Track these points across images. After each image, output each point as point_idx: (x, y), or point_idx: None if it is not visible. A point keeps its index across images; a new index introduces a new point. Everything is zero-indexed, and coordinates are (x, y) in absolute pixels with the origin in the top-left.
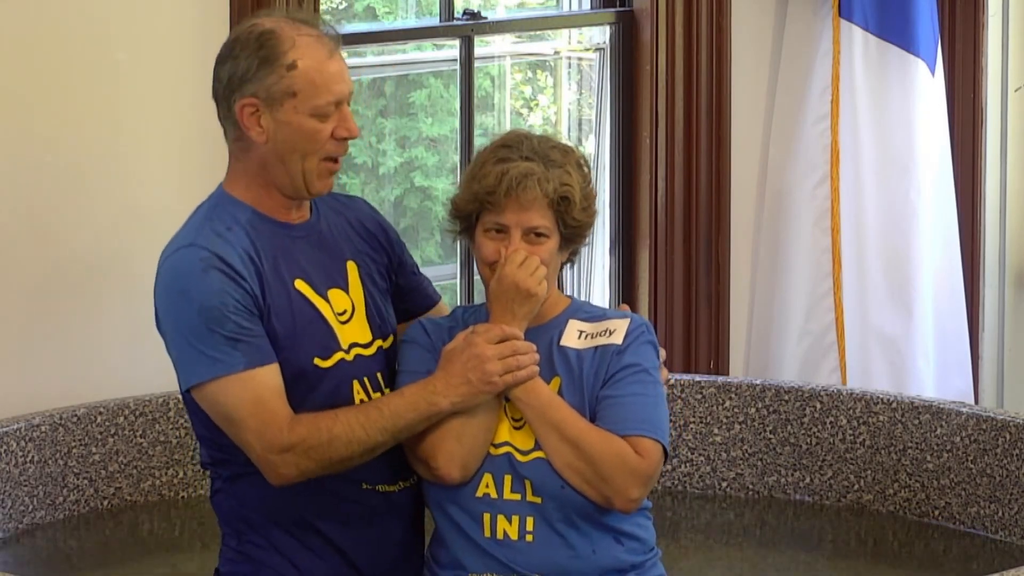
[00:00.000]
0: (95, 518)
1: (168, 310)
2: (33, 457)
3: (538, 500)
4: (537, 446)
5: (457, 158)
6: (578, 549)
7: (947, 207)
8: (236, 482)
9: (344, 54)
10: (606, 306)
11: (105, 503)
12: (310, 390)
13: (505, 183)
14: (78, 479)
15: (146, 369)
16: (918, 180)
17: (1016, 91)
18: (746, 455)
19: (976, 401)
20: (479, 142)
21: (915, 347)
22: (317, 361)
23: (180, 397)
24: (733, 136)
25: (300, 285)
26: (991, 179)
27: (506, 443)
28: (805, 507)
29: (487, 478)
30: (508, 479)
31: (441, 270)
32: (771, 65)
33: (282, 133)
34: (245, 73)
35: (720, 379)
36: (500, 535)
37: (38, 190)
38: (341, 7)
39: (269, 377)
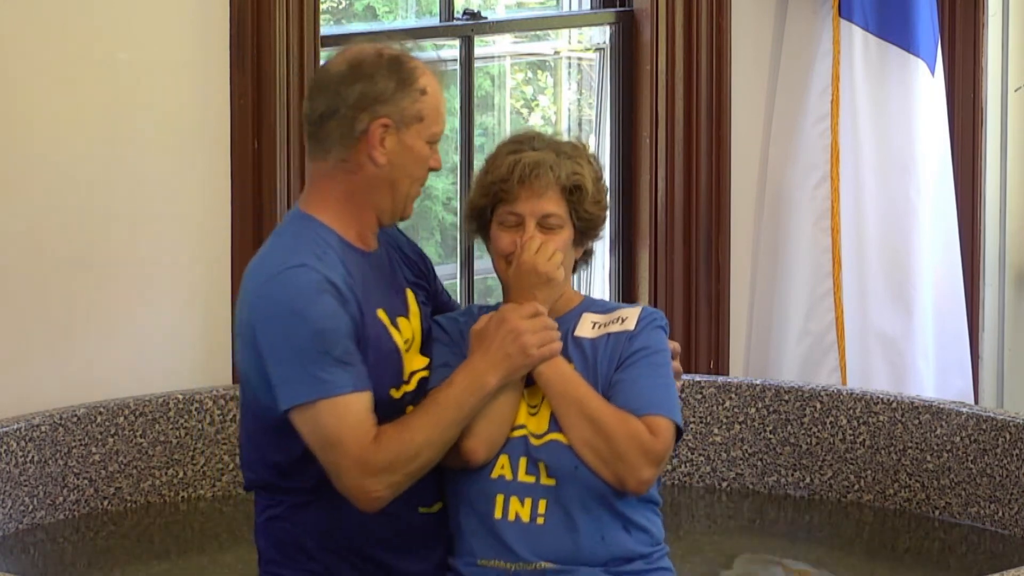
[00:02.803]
0: (95, 518)
1: (275, 329)
2: (33, 457)
3: (552, 482)
4: (551, 429)
5: (457, 158)
6: (587, 534)
7: (947, 207)
8: (299, 510)
9: None
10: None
11: (105, 503)
12: (382, 421)
13: (518, 171)
14: (78, 479)
15: (146, 369)
16: (918, 180)
17: (1016, 91)
18: (746, 455)
19: (976, 401)
20: (479, 142)
21: (915, 347)
22: (392, 392)
23: (180, 397)
24: (733, 136)
25: (380, 314)
26: (991, 179)
27: (522, 426)
28: (805, 507)
29: (502, 459)
30: (523, 461)
31: (441, 270)
32: (771, 65)
33: (402, 156)
34: (382, 93)
35: (720, 379)
36: (512, 516)
37: (38, 189)
38: (341, 7)
39: (368, 402)
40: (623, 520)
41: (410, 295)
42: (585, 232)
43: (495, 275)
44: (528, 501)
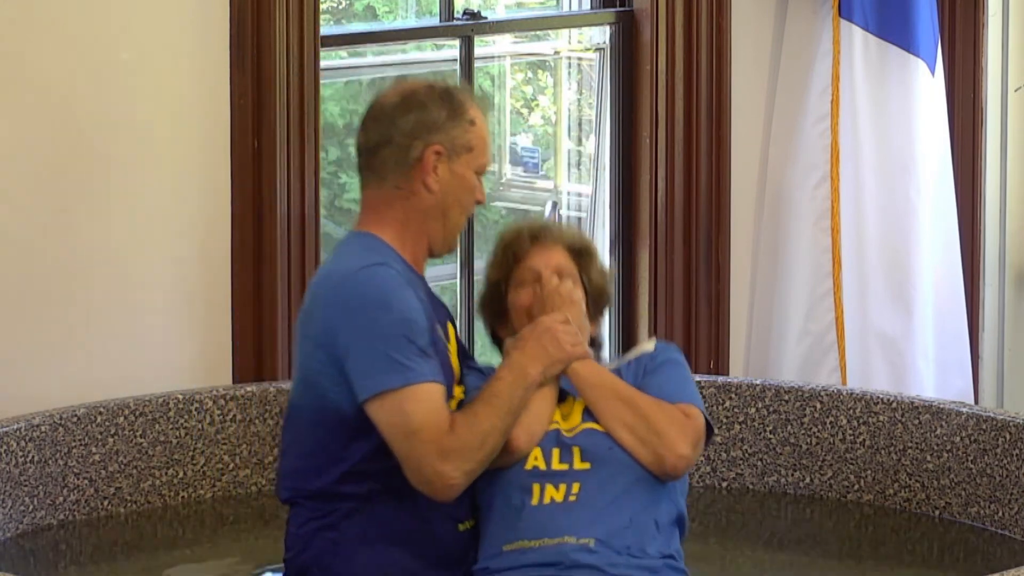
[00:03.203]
0: (95, 518)
1: (359, 320)
2: (33, 457)
3: (586, 466)
4: (584, 420)
5: None
6: (615, 512)
7: (947, 207)
8: (346, 519)
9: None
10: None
11: (105, 503)
12: None
13: (527, 231)
14: (78, 479)
15: (146, 369)
16: (918, 180)
17: (1016, 91)
18: (746, 455)
19: (976, 401)
20: None
21: (915, 347)
22: (449, 402)
23: (180, 397)
24: (733, 136)
25: (438, 331)
26: (991, 179)
27: (553, 422)
28: (805, 507)
29: (535, 451)
30: (556, 451)
31: (441, 270)
32: (771, 65)
33: (453, 184)
34: (435, 122)
35: (720, 379)
36: (547, 500)
37: (39, 190)
38: (341, 7)
39: (444, 393)
40: (653, 514)
41: (450, 327)
42: (595, 301)
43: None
44: (563, 486)
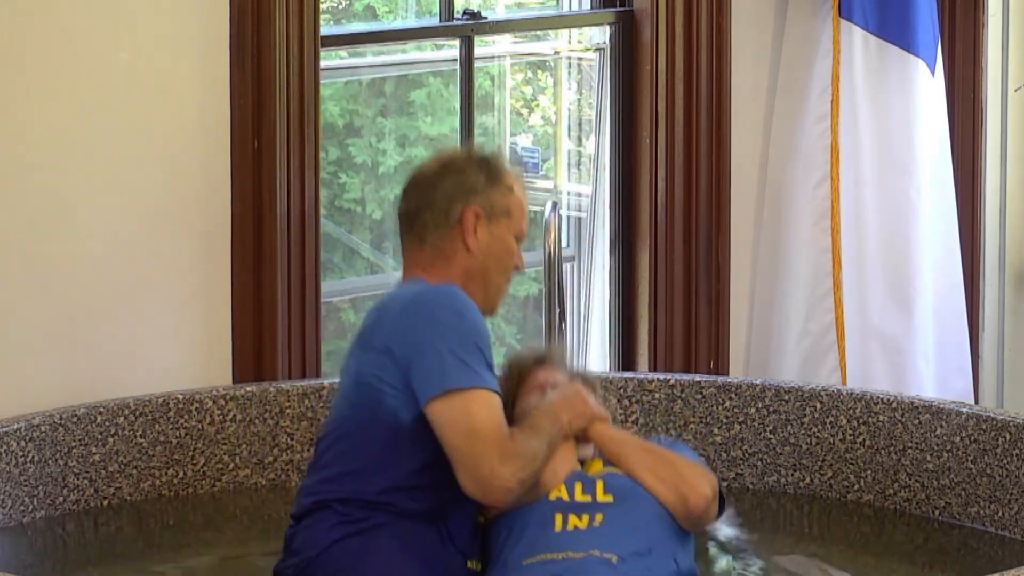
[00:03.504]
0: (95, 518)
1: (435, 324)
2: (33, 457)
3: (609, 498)
4: (604, 465)
5: None
6: (637, 543)
7: (947, 207)
8: (372, 533)
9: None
10: (606, 306)
11: (105, 503)
12: None
13: (532, 355)
14: (78, 479)
15: (146, 369)
16: (918, 180)
17: (1016, 91)
18: (746, 455)
19: (976, 401)
20: (479, 142)
21: (915, 347)
22: None
23: (180, 397)
24: (733, 136)
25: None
26: (991, 179)
27: (575, 470)
28: (805, 507)
29: (559, 486)
30: (579, 485)
31: None
32: (771, 65)
33: (494, 246)
34: (474, 185)
35: (720, 379)
36: (571, 527)
37: (39, 190)
38: (341, 7)
39: (502, 405)
40: (672, 551)
41: None
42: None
43: None
44: (586, 516)
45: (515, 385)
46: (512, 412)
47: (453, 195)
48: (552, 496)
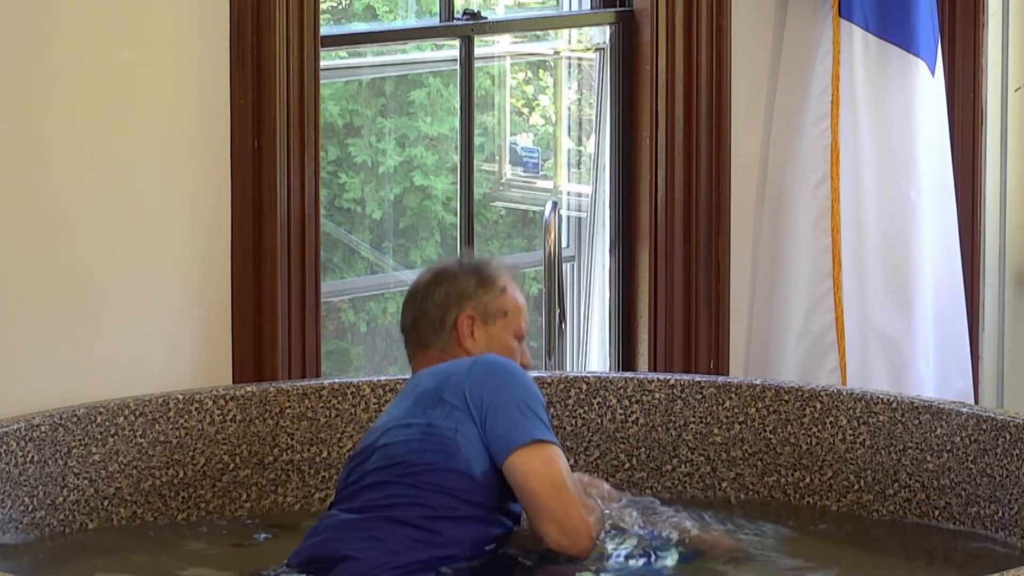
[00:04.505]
0: (95, 518)
1: (513, 380)
2: (33, 457)
3: None
4: None
5: (457, 158)
6: None
7: (947, 207)
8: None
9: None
10: (606, 306)
11: (105, 503)
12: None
13: None
14: (78, 479)
15: (146, 369)
16: (918, 180)
17: (1016, 91)
18: (746, 455)
19: (976, 401)
20: (479, 142)
21: (915, 347)
22: None
23: (180, 397)
24: (733, 136)
25: None
26: (991, 179)
27: None
28: (805, 507)
29: None
30: None
31: None
32: (771, 65)
33: (492, 347)
34: (465, 290)
35: (720, 379)
36: None
37: (40, 190)
38: (341, 7)
39: None
40: None
41: None
42: None
43: None
44: None
45: None
46: None
47: (446, 303)
48: None
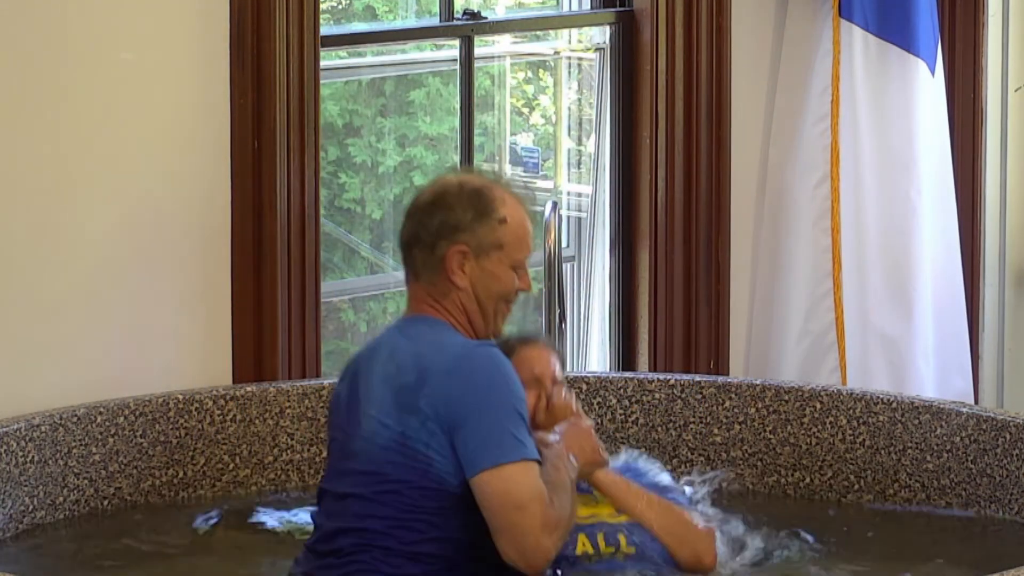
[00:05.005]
0: (95, 518)
1: (488, 394)
2: (33, 457)
3: (631, 550)
4: (621, 514)
5: (457, 158)
6: None
7: (947, 207)
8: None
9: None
10: (606, 306)
11: (105, 503)
12: None
13: (517, 337)
14: (78, 479)
15: (146, 369)
16: (918, 180)
17: (1016, 91)
18: (746, 455)
19: (976, 401)
20: (479, 141)
21: (915, 347)
22: None
23: (180, 397)
24: (733, 136)
25: None
26: (991, 179)
27: (593, 515)
28: (805, 507)
29: (582, 538)
30: (601, 535)
31: None
32: (771, 65)
33: (484, 280)
34: (460, 222)
35: (720, 379)
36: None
37: (40, 190)
38: (341, 7)
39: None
40: None
41: None
42: None
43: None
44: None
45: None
46: None
47: (439, 232)
48: (579, 551)
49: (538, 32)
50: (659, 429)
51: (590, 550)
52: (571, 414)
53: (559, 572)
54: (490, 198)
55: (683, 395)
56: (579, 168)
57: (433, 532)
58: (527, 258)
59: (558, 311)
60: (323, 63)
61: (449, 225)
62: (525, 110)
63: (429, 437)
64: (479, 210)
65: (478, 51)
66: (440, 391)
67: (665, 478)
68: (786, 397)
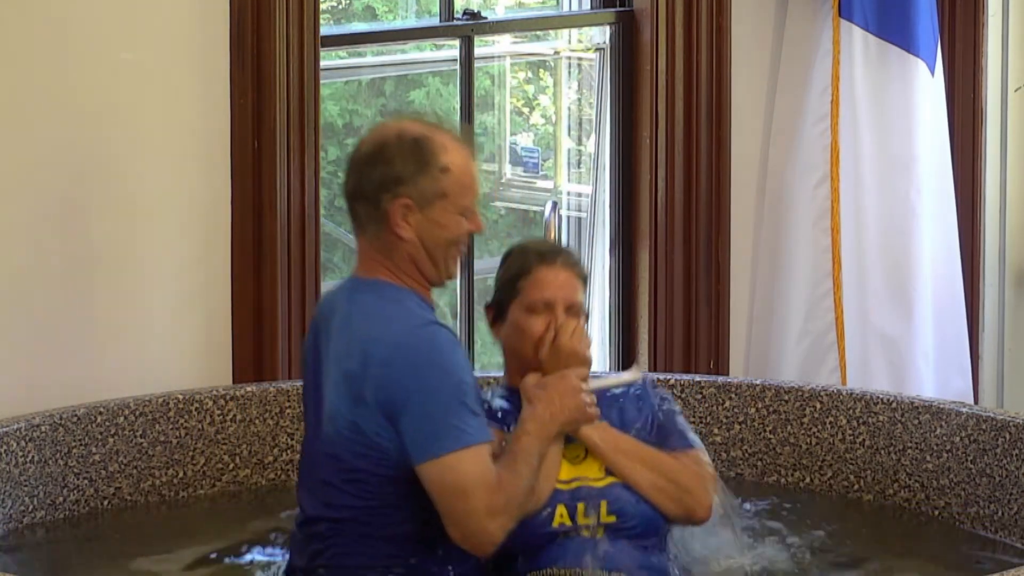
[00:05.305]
0: (95, 518)
1: (422, 383)
2: (33, 457)
3: (612, 519)
4: (608, 473)
5: None
6: (640, 556)
7: (947, 207)
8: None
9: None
10: (606, 306)
11: (105, 503)
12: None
13: (535, 250)
14: (78, 479)
15: (146, 369)
16: (918, 180)
17: (1016, 91)
18: (746, 455)
19: (976, 401)
20: (479, 141)
21: (915, 347)
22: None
23: (180, 397)
24: (733, 136)
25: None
26: (991, 179)
27: (576, 478)
28: (805, 507)
29: (560, 509)
30: (581, 506)
31: None
32: (771, 65)
33: (430, 230)
34: (400, 175)
35: (720, 379)
36: (573, 541)
37: (40, 190)
38: (341, 7)
39: (490, 450)
40: (663, 543)
41: None
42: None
43: (494, 275)
44: (587, 533)
45: (510, 285)
46: (503, 322)
47: (381, 186)
48: (555, 523)
49: (538, 32)
50: None
51: (567, 522)
52: (576, 362)
53: (519, 558)
54: (431, 147)
55: (683, 395)
56: (579, 168)
57: (402, 515)
58: (474, 202)
59: None
60: (323, 63)
61: (390, 178)
62: (525, 110)
63: (379, 427)
64: (420, 161)
65: (478, 51)
66: (381, 382)
67: (668, 406)
68: (786, 397)
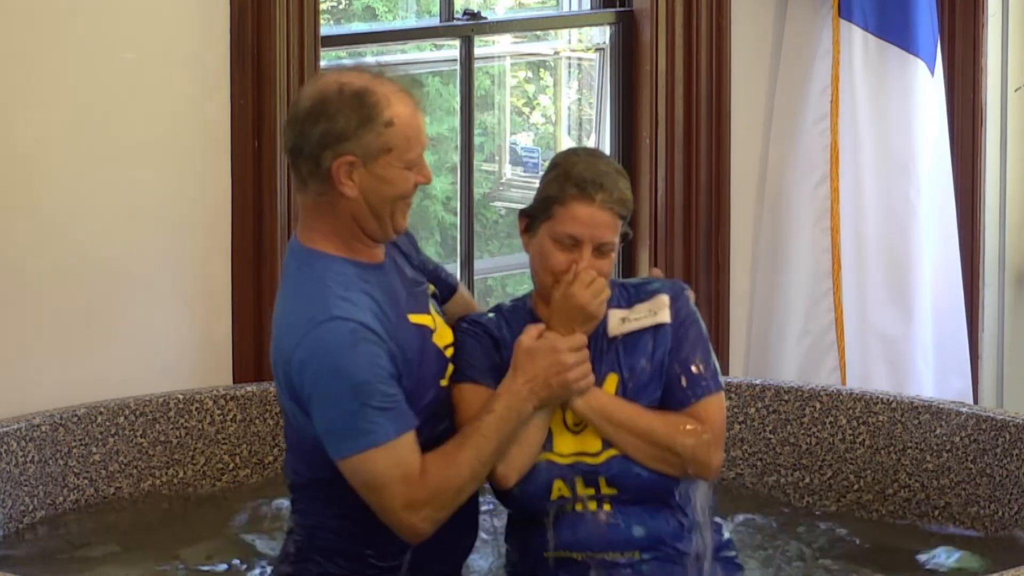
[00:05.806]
0: (95, 518)
1: (317, 388)
2: (33, 457)
3: (613, 491)
4: (607, 446)
5: (457, 158)
6: (647, 525)
7: (947, 207)
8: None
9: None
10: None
11: (105, 503)
12: (440, 416)
13: (576, 182)
14: (78, 479)
15: (146, 369)
16: (918, 180)
17: (1016, 91)
18: (746, 455)
19: (976, 401)
20: (479, 141)
21: (915, 347)
22: (441, 382)
23: (180, 397)
24: (733, 136)
25: (412, 319)
26: (991, 179)
27: (573, 453)
28: (804, 507)
29: (558, 483)
30: (579, 480)
31: None
32: (771, 65)
33: (376, 186)
34: (343, 132)
35: None
36: (576, 514)
37: (40, 189)
38: (341, 7)
39: (411, 439)
40: (673, 509)
41: (432, 309)
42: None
43: (494, 275)
44: (592, 504)
45: (545, 204)
46: (532, 236)
47: (323, 143)
48: (553, 496)
49: (538, 32)
50: None
51: (567, 493)
52: (583, 318)
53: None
54: (373, 101)
55: None
56: None
57: (349, 486)
58: (421, 154)
59: None
60: (323, 63)
61: (333, 135)
62: (525, 110)
63: (304, 420)
64: (363, 115)
65: (478, 51)
66: (290, 379)
67: (664, 316)
68: (786, 397)
